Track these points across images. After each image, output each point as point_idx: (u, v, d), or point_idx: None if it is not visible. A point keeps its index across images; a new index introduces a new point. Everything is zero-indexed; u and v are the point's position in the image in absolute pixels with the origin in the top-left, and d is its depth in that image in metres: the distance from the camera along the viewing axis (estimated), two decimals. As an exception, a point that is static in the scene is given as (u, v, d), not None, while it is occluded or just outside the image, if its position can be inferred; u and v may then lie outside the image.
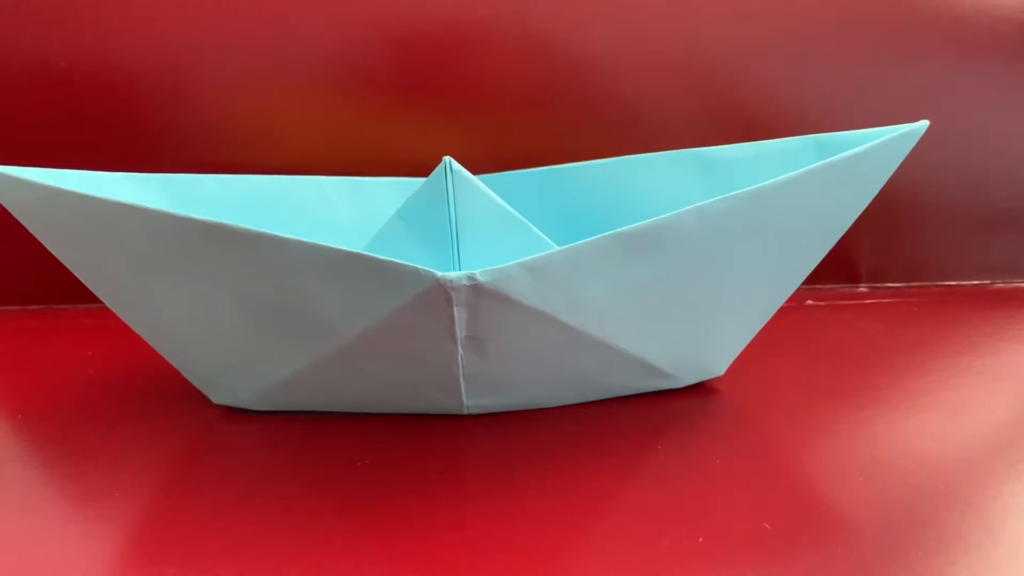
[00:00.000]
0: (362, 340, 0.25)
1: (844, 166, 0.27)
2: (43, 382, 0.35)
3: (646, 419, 0.29)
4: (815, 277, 0.31)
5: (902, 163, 0.30)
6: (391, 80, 0.51)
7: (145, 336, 0.30)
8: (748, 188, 0.25)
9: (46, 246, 0.28)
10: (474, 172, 0.30)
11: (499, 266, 0.23)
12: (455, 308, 0.23)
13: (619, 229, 0.24)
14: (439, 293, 0.23)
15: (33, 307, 0.50)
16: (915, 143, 0.29)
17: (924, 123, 0.29)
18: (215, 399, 0.30)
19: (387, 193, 0.38)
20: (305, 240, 0.23)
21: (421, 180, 0.39)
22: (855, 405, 0.31)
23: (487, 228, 0.28)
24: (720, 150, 0.35)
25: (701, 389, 0.31)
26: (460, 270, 0.28)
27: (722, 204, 0.25)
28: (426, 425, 0.28)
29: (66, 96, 0.49)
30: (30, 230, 0.28)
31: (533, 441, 0.27)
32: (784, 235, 0.28)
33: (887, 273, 0.53)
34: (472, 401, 0.27)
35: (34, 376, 0.36)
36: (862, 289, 0.53)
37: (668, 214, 0.25)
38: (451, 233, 0.28)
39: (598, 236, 0.24)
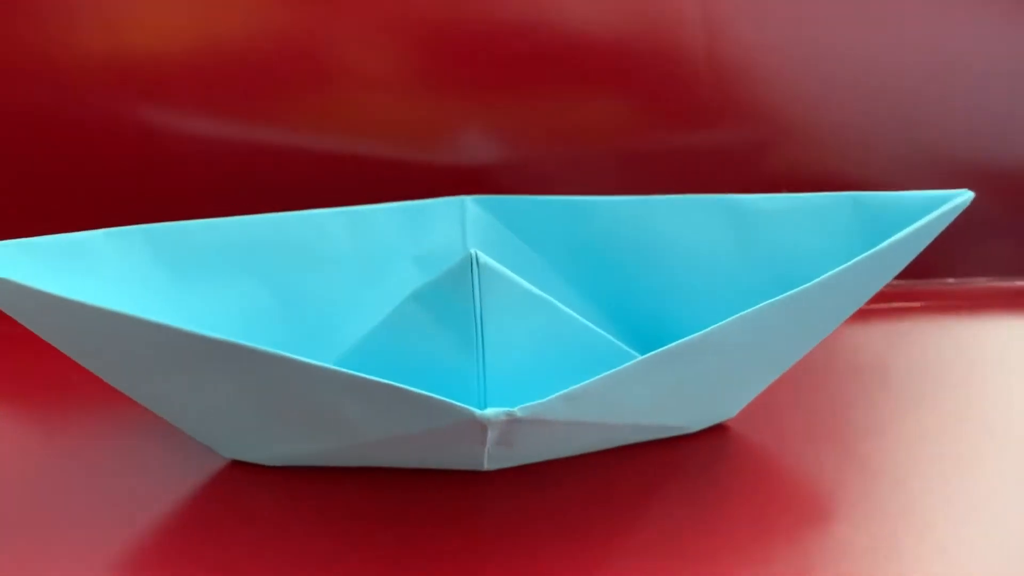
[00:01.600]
0: (386, 441, 0.25)
1: (888, 250, 0.27)
2: (21, 413, 0.33)
3: (656, 461, 0.29)
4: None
5: None
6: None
7: (144, 404, 0.28)
8: (792, 292, 0.25)
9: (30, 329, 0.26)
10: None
11: (539, 401, 0.22)
12: (489, 433, 0.22)
13: (662, 350, 0.23)
14: (474, 424, 0.22)
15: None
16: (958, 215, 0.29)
17: (969, 195, 0.29)
18: (224, 454, 0.29)
19: (387, 220, 0.36)
20: (328, 367, 0.22)
21: (423, 203, 0.37)
22: (859, 441, 0.31)
23: (513, 312, 0.27)
24: (753, 200, 0.33)
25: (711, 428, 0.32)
26: (484, 354, 0.27)
27: (769, 309, 0.25)
28: (442, 477, 0.28)
29: None
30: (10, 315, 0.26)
31: (547, 490, 0.28)
32: (821, 314, 0.28)
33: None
34: (492, 465, 0.27)
35: (12, 403, 0.34)
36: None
37: (713, 327, 0.24)
38: (475, 319, 0.27)
39: (640, 359, 0.23)
